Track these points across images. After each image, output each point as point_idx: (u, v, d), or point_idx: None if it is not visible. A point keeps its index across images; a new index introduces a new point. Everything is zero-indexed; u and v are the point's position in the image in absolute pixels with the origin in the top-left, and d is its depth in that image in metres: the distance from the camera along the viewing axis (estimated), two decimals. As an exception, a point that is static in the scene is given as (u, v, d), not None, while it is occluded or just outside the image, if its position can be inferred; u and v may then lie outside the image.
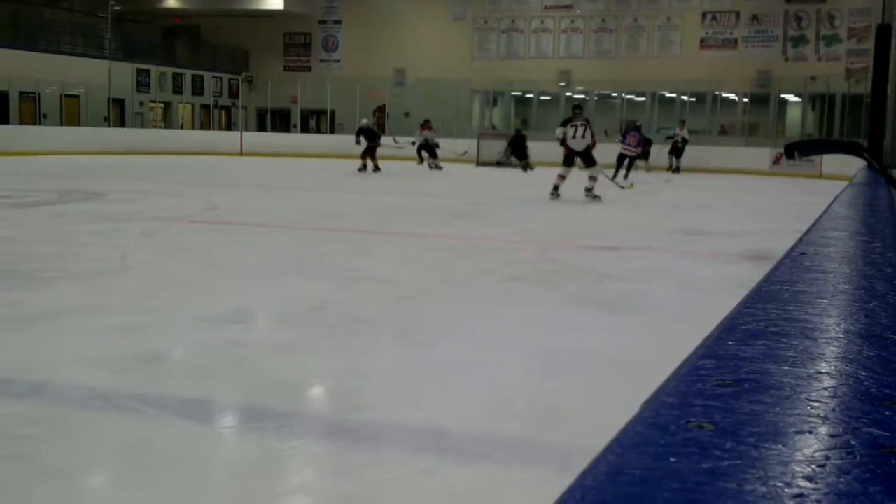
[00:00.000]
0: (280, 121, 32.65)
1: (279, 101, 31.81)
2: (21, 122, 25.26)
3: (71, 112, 27.07)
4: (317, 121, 33.12)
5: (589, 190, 13.09)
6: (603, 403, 3.32)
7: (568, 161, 13.18)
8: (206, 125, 32.81)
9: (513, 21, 30.97)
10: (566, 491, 0.35)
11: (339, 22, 33.98)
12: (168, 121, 31.51)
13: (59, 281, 5.80)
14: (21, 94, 25.29)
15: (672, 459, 0.39)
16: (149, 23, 33.45)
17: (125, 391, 3.47)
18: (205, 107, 33.22)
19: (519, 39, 31.03)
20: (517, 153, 22.33)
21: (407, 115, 30.06)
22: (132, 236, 8.04)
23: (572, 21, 30.32)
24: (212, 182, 14.74)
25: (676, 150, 22.08)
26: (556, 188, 13.08)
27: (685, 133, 22.26)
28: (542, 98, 29.90)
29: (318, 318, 4.93)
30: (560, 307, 5.46)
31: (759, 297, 0.78)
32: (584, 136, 12.93)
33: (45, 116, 26.46)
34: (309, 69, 34.21)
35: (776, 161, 21.67)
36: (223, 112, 34.17)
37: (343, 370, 3.92)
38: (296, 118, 32.84)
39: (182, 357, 4.15)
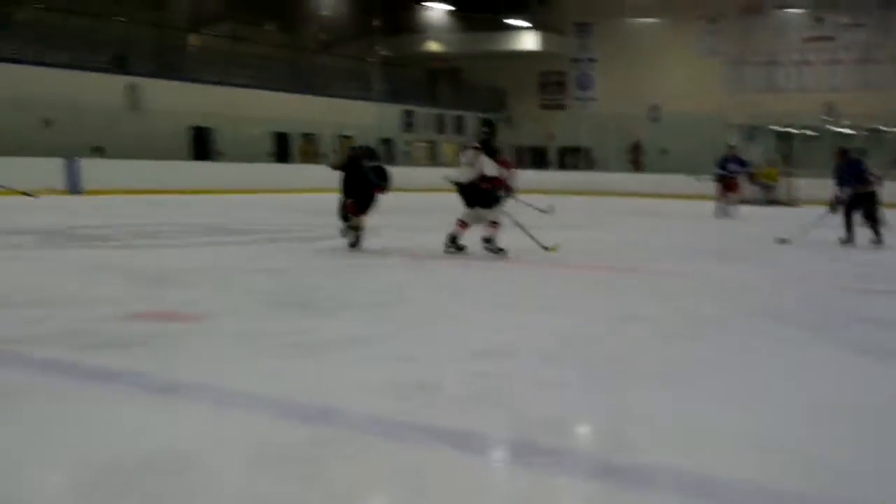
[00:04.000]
0: (536, 158, 33.17)
1: (535, 138, 32.38)
2: (302, 161, 27.38)
3: (345, 151, 28.90)
4: (572, 158, 33.37)
5: (487, 241, 9.65)
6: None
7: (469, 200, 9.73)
8: (466, 163, 33.84)
9: (770, 54, 29.65)
10: None
11: (592, 60, 34.10)
12: (433, 158, 32.95)
13: (342, 311, 6.19)
14: (303, 135, 27.45)
15: None
16: (413, 66, 35.19)
17: (401, 418, 3.62)
18: (465, 145, 34.30)
19: (777, 72, 29.66)
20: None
21: (664, 151, 29.54)
22: (401, 270, 8.42)
23: (834, 52, 28.54)
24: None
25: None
26: (453, 239, 9.70)
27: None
28: (807, 133, 28.22)
29: (582, 355, 4.92)
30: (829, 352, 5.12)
31: None
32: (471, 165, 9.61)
33: (324, 155, 28.55)
34: (563, 107, 34.56)
35: None
36: (482, 150, 35.07)
37: (609, 409, 3.88)
38: (552, 155, 33.23)
39: (450, 388, 4.27)
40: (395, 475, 3.04)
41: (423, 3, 33.52)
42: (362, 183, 9.51)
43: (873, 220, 11.63)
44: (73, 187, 19.82)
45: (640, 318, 6.16)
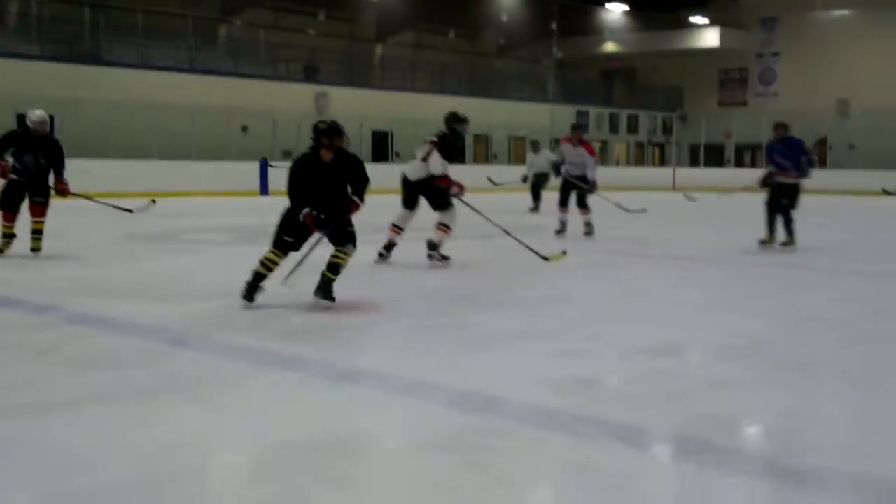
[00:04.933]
0: (713, 156, 32.22)
1: (712, 136, 31.42)
2: (475, 161, 27.83)
3: (518, 152, 29.23)
4: (752, 156, 32.20)
5: (432, 248, 8.20)
6: None
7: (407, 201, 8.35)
8: (639, 162, 33.50)
9: None
10: None
11: (776, 54, 32.79)
12: (604, 158, 32.68)
13: (509, 307, 6.28)
14: (475, 137, 27.94)
15: None
16: (588, 67, 34.99)
17: (568, 412, 3.66)
18: (639, 144, 33.95)
19: None
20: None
21: (851, 147, 28.03)
22: (566, 269, 8.43)
23: None
24: (643, 216, 14.93)
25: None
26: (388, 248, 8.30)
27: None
28: None
29: (756, 355, 4.81)
30: None
31: None
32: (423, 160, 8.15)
33: (495, 156, 28.94)
34: (744, 103, 33.43)
35: None
36: (656, 149, 34.61)
37: (784, 410, 3.79)
38: (729, 153, 32.18)
39: (618, 384, 4.27)
40: (562, 467, 3.09)
41: (601, 5, 33.23)
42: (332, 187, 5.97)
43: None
44: (264, 189, 21.00)
45: (822, 319, 5.95)
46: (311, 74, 26.44)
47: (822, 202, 20.36)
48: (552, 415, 3.64)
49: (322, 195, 5.84)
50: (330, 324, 5.40)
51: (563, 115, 30.64)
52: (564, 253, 8.27)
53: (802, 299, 6.88)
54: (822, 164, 28.86)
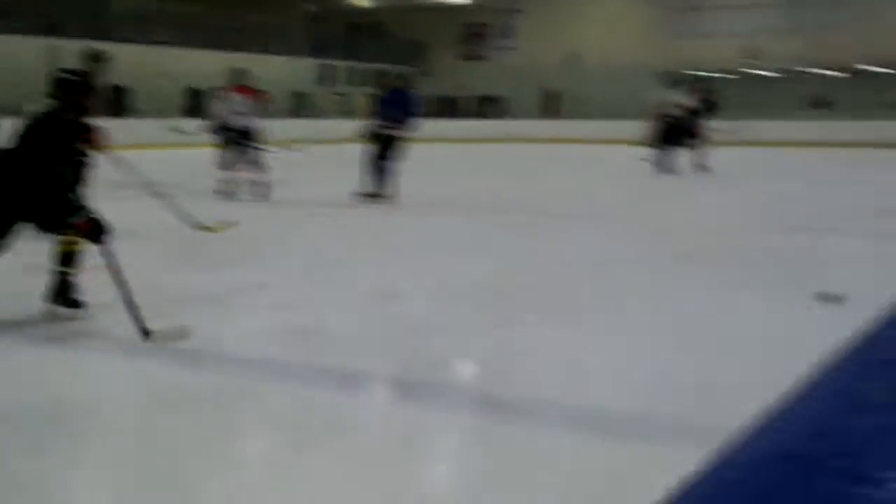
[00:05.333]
0: (452, 109, 33.26)
1: (453, 90, 32.41)
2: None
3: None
4: (490, 108, 33.62)
5: None
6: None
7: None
8: (380, 115, 33.87)
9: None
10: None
11: (518, 11, 34.06)
12: (349, 111, 32.78)
13: (233, 261, 6.15)
14: (214, 90, 27.07)
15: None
16: (336, 21, 34.78)
17: (290, 362, 3.72)
18: (381, 97, 34.29)
19: (703, 17, 29.85)
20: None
21: (577, 98, 29.92)
22: (292, 220, 8.39)
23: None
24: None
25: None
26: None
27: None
28: (729, 77, 28.45)
29: (472, 296, 5.02)
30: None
31: None
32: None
33: (236, 111, 28.18)
34: (484, 58, 34.63)
35: None
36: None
37: (497, 347, 3.99)
38: (467, 105, 33.41)
39: (341, 331, 4.29)
40: (283, 418, 3.16)
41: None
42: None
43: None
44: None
45: (536, 260, 6.35)
46: (46, 28, 24.57)
47: (544, 151, 21.57)
48: (275, 366, 3.67)
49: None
50: (40, 285, 4.99)
51: (305, 67, 30.48)
52: (234, 223, 7.30)
53: (523, 243, 7.22)
54: (556, 114, 30.58)
